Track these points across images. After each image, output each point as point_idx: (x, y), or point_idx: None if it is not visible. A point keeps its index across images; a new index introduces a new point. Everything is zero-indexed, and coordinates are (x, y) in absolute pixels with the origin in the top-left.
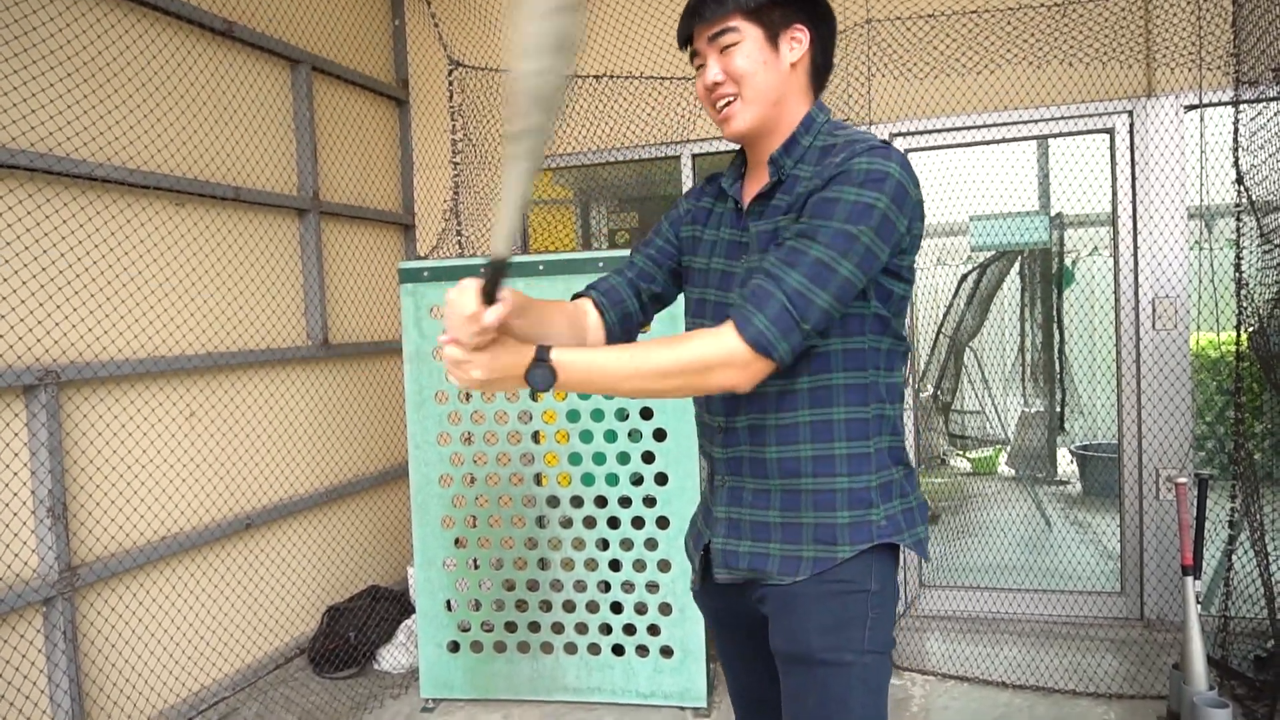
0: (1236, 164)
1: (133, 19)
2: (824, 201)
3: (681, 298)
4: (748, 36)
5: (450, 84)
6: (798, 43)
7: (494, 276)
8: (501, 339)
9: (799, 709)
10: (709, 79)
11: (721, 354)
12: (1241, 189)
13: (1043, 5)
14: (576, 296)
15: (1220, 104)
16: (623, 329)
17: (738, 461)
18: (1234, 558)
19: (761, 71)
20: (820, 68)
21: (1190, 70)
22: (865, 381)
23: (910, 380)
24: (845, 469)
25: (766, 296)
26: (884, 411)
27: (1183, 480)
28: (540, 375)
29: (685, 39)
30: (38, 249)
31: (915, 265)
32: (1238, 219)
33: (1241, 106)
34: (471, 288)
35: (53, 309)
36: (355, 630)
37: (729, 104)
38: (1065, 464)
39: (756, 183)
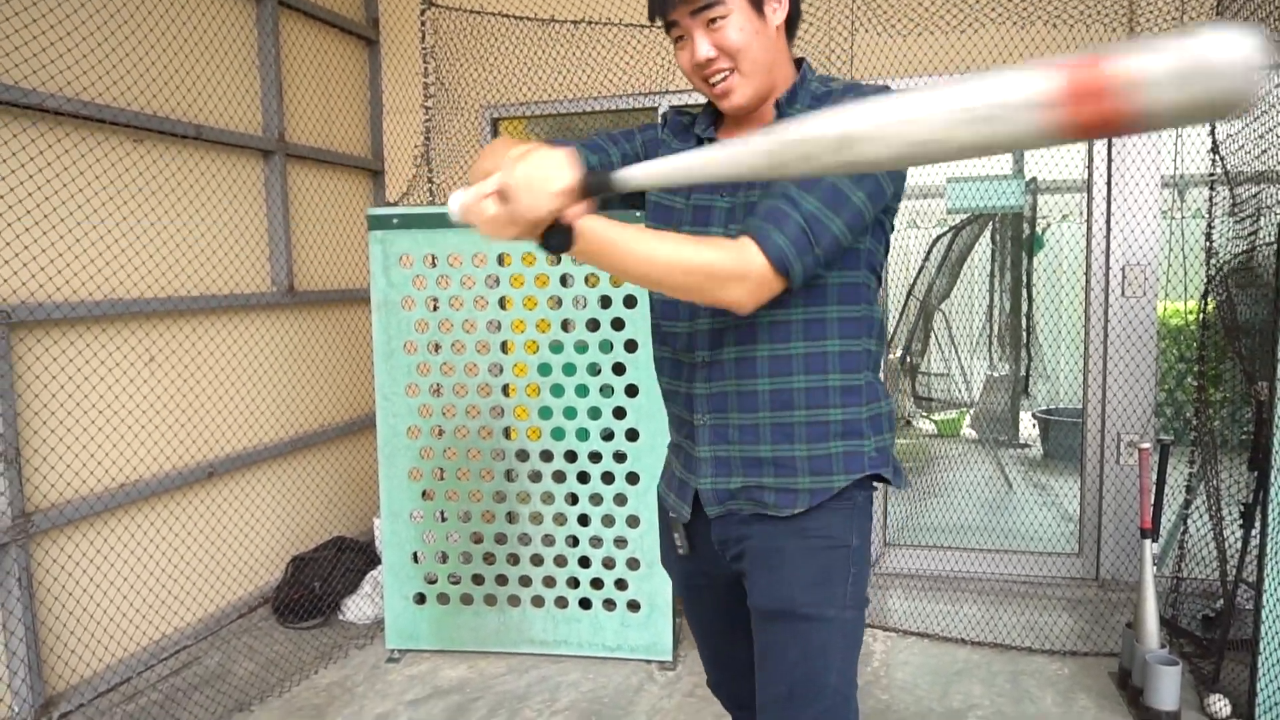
0: (1213, 133)
1: None
2: None
3: None
4: (735, 8)
5: (423, 25)
6: (779, 2)
7: (603, 185)
8: None
9: (778, 662)
10: (700, 56)
11: (740, 266)
12: (1216, 159)
13: None
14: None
15: None
16: None
17: (722, 397)
18: (1189, 521)
19: (755, 42)
20: (792, 19)
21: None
22: (859, 315)
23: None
24: (839, 400)
25: (784, 217)
26: (870, 347)
27: (1146, 445)
28: (558, 238)
29: (659, 12)
30: None
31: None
32: (1210, 189)
33: None
34: (569, 164)
35: (1, 246)
36: (320, 580)
37: (725, 78)
38: (1028, 428)
39: (733, 135)
